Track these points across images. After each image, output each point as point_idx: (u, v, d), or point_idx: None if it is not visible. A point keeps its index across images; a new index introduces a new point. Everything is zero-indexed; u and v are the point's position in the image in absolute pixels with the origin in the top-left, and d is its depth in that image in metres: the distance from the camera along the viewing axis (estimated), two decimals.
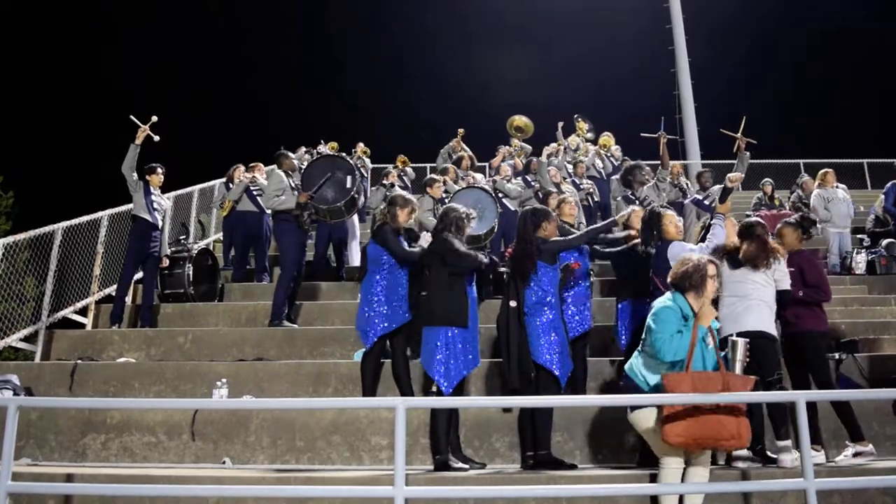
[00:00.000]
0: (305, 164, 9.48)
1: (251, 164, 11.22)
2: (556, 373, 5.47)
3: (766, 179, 13.75)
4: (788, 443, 5.28)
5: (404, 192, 6.42)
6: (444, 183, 10.57)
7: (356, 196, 8.53)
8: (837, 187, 11.17)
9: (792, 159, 20.20)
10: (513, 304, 5.64)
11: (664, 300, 4.68)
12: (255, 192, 10.65)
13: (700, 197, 9.86)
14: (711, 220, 5.91)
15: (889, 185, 11.09)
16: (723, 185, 6.31)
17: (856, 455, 5.53)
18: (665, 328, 4.47)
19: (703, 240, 5.86)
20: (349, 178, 8.39)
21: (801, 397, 4.15)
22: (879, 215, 11.53)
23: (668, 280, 4.76)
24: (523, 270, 5.66)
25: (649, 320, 4.62)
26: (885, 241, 10.92)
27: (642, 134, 11.38)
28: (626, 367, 4.76)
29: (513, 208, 10.73)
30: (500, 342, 5.72)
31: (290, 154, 9.15)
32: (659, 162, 10.51)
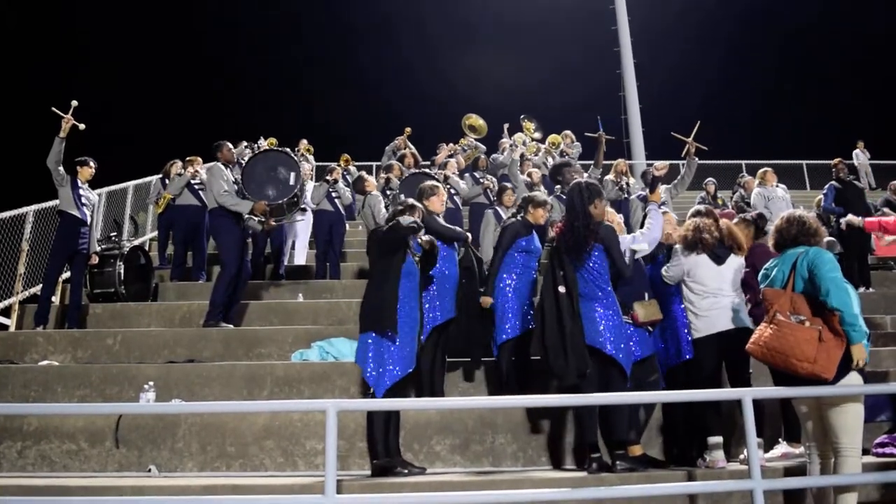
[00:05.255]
0: (246, 157, 9.17)
1: (188, 158, 10.86)
2: (623, 363, 4.97)
3: (709, 179, 13.89)
4: (719, 439, 5.19)
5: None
6: (388, 181, 10.54)
7: (299, 195, 8.27)
8: (777, 186, 11.30)
9: (734, 160, 20.55)
10: (562, 289, 4.96)
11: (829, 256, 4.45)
12: (196, 187, 10.32)
13: (644, 193, 9.88)
14: (646, 208, 5.80)
15: (828, 185, 11.27)
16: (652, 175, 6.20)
17: (782, 455, 5.47)
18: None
19: (641, 227, 5.76)
20: (293, 175, 8.12)
21: (747, 394, 4.05)
22: (820, 214, 11.71)
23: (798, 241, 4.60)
24: (580, 248, 5.01)
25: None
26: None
27: (586, 134, 11.47)
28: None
29: (460, 205, 10.70)
30: (548, 334, 4.94)
31: (230, 145, 8.79)
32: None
